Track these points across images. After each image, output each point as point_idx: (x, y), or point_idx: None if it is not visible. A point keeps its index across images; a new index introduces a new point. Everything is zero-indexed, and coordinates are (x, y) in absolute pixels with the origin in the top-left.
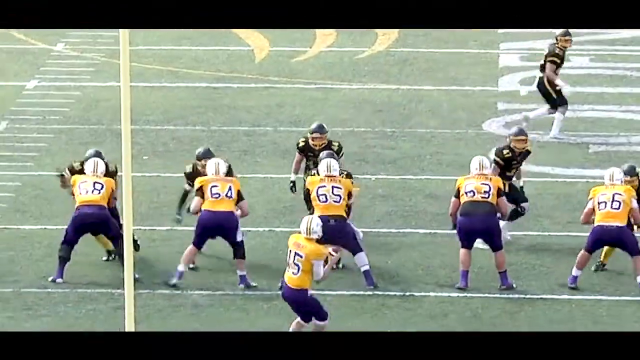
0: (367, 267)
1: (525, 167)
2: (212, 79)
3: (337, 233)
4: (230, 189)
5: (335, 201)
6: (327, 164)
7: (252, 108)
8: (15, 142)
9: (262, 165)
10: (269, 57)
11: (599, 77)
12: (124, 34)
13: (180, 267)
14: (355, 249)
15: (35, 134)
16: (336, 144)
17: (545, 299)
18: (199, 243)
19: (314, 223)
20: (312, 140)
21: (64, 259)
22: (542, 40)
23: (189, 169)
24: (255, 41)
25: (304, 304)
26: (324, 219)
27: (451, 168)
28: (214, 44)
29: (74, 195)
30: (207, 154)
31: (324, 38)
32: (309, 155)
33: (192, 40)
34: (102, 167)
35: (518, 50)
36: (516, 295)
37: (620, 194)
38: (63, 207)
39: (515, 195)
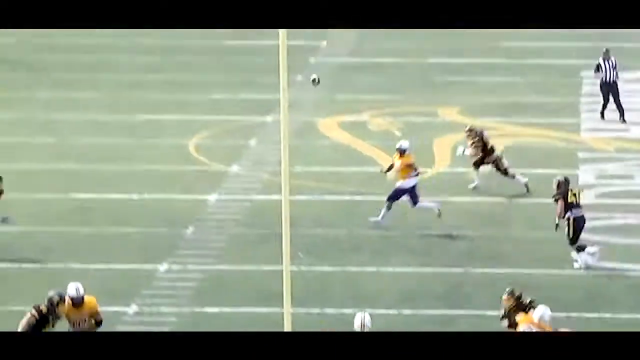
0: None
1: None
2: (354, 193)
3: None
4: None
5: None
6: None
7: (385, 216)
8: (200, 243)
9: (392, 262)
10: None
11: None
12: (285, 152)
13: None
14: None
15: (216, 236)
16: None
17: None
18: None
19: None
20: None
21: None
22: None
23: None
24: (388, 163)
25: None
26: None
27: None
28: (356, 166)
29: None
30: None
31: (442, 162)
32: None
33: (339, 163)
34: None
35: None
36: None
37: None
38: (239, 294)
39: None
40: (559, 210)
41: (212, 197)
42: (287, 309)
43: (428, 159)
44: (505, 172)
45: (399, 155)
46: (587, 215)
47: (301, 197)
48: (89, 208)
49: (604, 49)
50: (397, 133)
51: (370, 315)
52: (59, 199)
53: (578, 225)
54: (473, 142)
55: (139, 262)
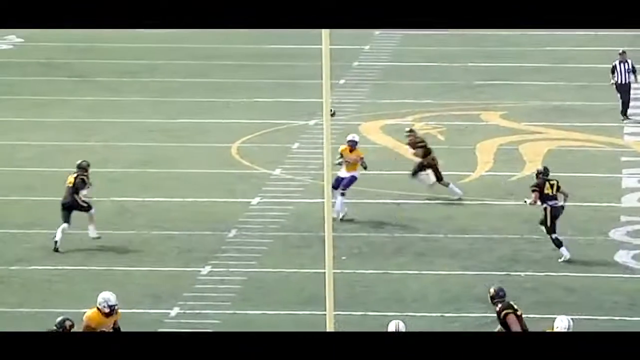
0: None
1: None
2: (396, 196)
3: None
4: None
5: None
6: None
7: (428, 219)
8: (242, 246)
9: (435, 264)
10: None
11: None
12: (327, 156)
13: None
14: None
15: (258, 239)
16: None
17: None
18: None
19: None
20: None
21: None
22: None
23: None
24: None
25: None
26: None
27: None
28: (398, 170)
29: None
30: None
31: (484, 165)
32: None
33: (381, 167)
34: None
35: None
36: None
37: None
38: (281, 297)
39: None
40: (532, 201)
41: (254, 200)
42: (330, 312)
43: (471, 163)
44: (439, 179)
45: (349, 148)
46: (629, 219)
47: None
48: (131, 211)
49: (621, 50)
50: (440, 137)
51: (413, 317)
52: (101, 202)
53: (554, 214)
54: (416, 143)
55: (181, 265)
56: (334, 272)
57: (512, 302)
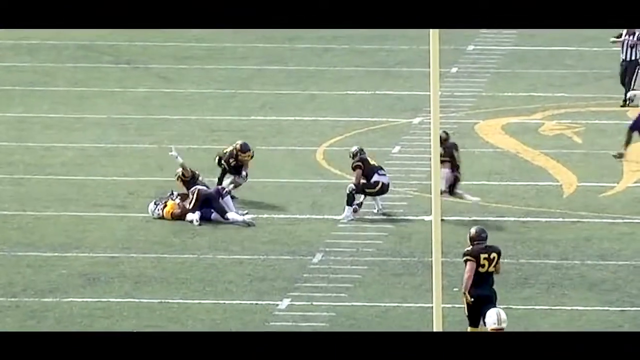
0: None
1: None
2: (521, 213)
3: None
4: None
5: None
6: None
7: (561, 241)
8: (329, 274)
9: (569, 297)
10: (577, 192)
11: None
12: (435, 162)
13: None
14: None
15: (349, 265)
16: None
17: None
18: None
19: None
20: None
21: None
22: None
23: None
24: (564, 177)
25: None
26: None
27: None
28: (523, 180)
29: None
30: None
31: (632, 174)
32: None
33: (502, 176)
34: None
35: None
36: None
37: None
38: None
39: None
40: (355, 181)
41: (345, 217)
42: None
43: (615, 171)
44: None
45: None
46: None
47: (456, 218)
48: (192, 230)
49: None
50: (576, 139)
51: None
52: (155, 220)
53: (382, 189)
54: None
55: (253, 297)
56: (444, 307)
57: (487, 246)
